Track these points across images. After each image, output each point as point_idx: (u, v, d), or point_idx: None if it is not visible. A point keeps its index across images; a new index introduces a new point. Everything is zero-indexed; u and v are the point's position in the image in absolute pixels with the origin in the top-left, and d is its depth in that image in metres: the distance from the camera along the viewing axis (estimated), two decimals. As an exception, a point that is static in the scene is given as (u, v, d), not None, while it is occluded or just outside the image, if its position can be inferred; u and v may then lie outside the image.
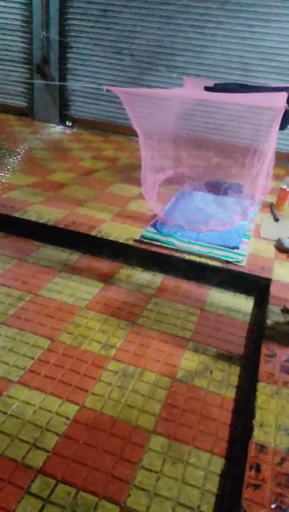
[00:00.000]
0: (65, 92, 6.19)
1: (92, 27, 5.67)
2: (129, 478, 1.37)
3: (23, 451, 1.41)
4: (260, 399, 1.59)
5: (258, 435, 1.44)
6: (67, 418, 1.56)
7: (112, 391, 1.70)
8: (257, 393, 1.62)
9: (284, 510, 1.20)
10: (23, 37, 6.01)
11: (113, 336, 2.03)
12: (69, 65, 6.03)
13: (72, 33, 5.82)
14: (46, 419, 1.55)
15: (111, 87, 2.64)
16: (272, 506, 1.21)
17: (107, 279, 2.54)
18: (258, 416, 1.51)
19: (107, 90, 2.62)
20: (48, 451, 1.42)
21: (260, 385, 1.66)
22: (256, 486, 1.27)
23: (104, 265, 2.69)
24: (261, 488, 1.26)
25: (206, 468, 1.43)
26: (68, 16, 5.74)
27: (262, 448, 1.39)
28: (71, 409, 1.59)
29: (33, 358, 1.83)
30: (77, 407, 1.61)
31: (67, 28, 5.80)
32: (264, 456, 1.37)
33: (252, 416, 1.52)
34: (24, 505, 1.25)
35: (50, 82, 5.94)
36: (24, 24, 5.93)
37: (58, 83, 5.97)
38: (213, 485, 1.38)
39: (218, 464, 1.45)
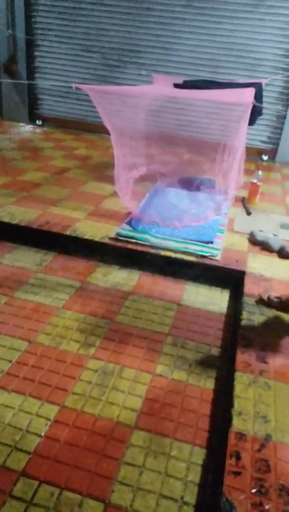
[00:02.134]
0: (34, 91, 6.11)
1: (60, 24, 5.61)
2: (113, 475, 1.37)
3: (3, 455, 1.40)
4: (238, 388, 1.63)
5: (237, 424, 1.47)
6: (47, 419, 1.55)
7: (93, 389, 1.70)
8: (235, 383, 1.65)
9: (264, 494, 1.23)
10: (-12, 35, 5.88)
11: (91, 335, 2.02)
12: (37, 64, 5.95)
13: (39, 31, 5.74)
14: (26, 421, 1.53)
15: (80, 85, 2.62)
16: (253, 491, 1.24)
17: (83, 278, 2.53)
18: (236, 405, 1.55)
19: (76, 88, 2.60)
20: (29, 453, 1.41)
21: (238, 375, 1.70)
22: (237, 473, 1.30)
23: (80, 264, 2.68)
24: (242, 475, 1.29)
25: (187, 459, 1.45)
26: (34, 14, 5.66)
27: (241, 436, 1.43)
28: (51, 410, 1.59)
29: (10, 361, 1.81)
30: (57, 408, 1.60)
31: (33, 25, 5.72)
32: (243, 443, 1.40)
33: (231, 405, 1.55)
34: (7, 509, 1.24)
35: (18, 81, 5.84)
36: (-11, 22, 5.80)
37: (26, 82, 5.88)
38: (195, 476, 1.40)
39: (199, 455, 1.47)
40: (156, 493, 1.33)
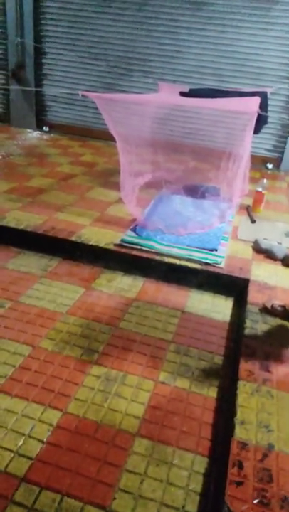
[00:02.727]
0: (41, 98, 6.17)
1: (68, 32, 5.68)
2: (114, 482, 1.37)
3: (5, 460, 1.40)
4: (241, 397, 1.62)
5: (239, 433, 1.47)
6: (50, 425, 1.55)
7: (95, 396, 1.70)
8: (238, 391, 1.65)
9: (266, 505, 1.23)
10: (-3, 42, 5.98)
11: (95, 341, 2.03)
12: (45, 71, 6.02)
13: (47, 39, 5.82)
14: (29, 426, 1.54)
15: (87, 93, 2.66)
16: (255, 501, 1.23)
17: (87, 284, 2.54)
18: (239, 414, 1.54)
19: (83, 96, 2.63)
20: (31, 459, 1.41)
21: (241, 384, 1.69)
22: (239, 483, 1.29)
23: (84, 270, 2.69)
24: (244, 485, 1.29)
25: (189, 468, 1.45)
26: (43, 22, 5.73)
27: (244, 445, 1.42)
28: (54, 416, 1.59)
29: (14, 366, 1.81)
30: (60, 413, 1.60)
31: (42, 33, 5.80)
32: (246, 453, 1.40)
33: (233, 414, 1.55)
34: (8, 515, 1.24)
35: (26, 88, 5.91)
36: (-2, 30, 5.89)
37: (33, 89, 5.95)
38: (197, 484, 1.40)
39: (201, 464, 1.47)
40: (157, 502, 1.33)
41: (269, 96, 3.92)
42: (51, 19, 5.68)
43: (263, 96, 3.58)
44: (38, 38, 5.80)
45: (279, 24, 4.92)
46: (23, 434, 1.50)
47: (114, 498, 1.32)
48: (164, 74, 5.47)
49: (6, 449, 1.44)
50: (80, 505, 1.29)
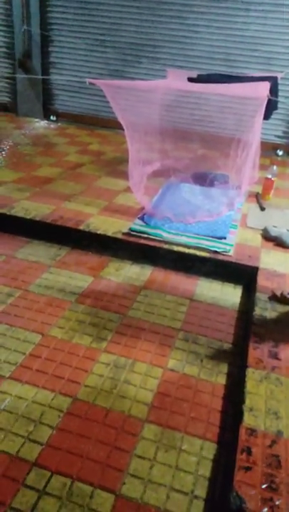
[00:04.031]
0: (48, 86, 6.13)
1: (74, 20, 5.61)
2: (124, 467, 1.39)
3: (17, 445, 1.43)
4: (250, 384, 1.62)
5: (248, 419, 1.47)
6: (60, 411, 1.57)
7: (105, 382, 1.72)
8: (246, 379, 1.65)
9: (274, 490, 1.23)
10: (4, 31, 5.93)
11: (104, 329, 2.04)
12: (51, 59, 5.97)
13: (54, 26, 5.75)
14: (39, 412, 1.56)
15: (94, 80, 2.63)
16: (263, 487, 1.24)
17: (96, 272, 2.54)
18: (247, 401, 1.55)
19: (90, 83, 2.60)
20: (42, 444, 1.44)
21: (249, 371, 1.69)
22: (247, 469, 1.30)
23: (93, 259, 2.70)
24: (252, 470, 1.30)
25: (198, 453, 1.46)
26: (49, 9, 5.66)
27: (252, 432, 1.43)
28: (64, 402, 1.61)
29: (24, 353, 1.83)
30: (70, 400, 1.62)
31: (48, 21, 5.73)
32: (254, 439, 1.40)
33: (242, 401, 1.55)
34: (20, 498, 1.27)
35: (33, 76, 5.87)
36: (4, 18, 5.84)
37: (40, 77, 5.90)
38: (206, 470, 1.41)
39: (210, 449, 1.48)
40: (166, 487, 1.34)
41: (279, 81, 3.84)
42: (58, 6, 5.60)
43: (273, 81, 3.51)
44: (44, 26, 5.74)
45: (289, 6, 4.80)
46: (34, 420, 1.52)
47: (124, 483, 1.34)
48: (173, 60, 5.38)
49: (17, 434, 1.47)
50: (91, 489, 1.31)
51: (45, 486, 1.31)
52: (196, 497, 1.32)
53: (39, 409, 1.57)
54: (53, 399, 1.62)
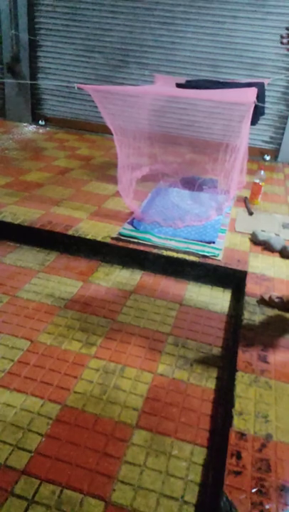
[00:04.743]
0: (36, 91, 6.12)
1: (62, 25, 5.62)
2: (113, 473, 1.38)
3: (5, 453, 1.41)
4: (239, 388, 1.63)
5: (237, 423, 1.48)
6: (49, 418, 1.56)
7: (94, 388, 1.71)
8: (236, 382, 1.65)
9: (264, 494, 1.24)
10: (-8, 35, 5.91)
11: (93, 334, 2.03)
12: (40, 64, 5.96)
13: (42, 31, 5.75)
14: (28, 419, 1.54)
15: (82, 85, 2.63)
16: (253, 491, 1.24)
17: (85, 277, 2.53)
18: (237, 405, 1.55)
19: (78, 88, 2.61)
20: (30, 452, 1.42)
21: (239, 375, 1.70)
22: (237, 473, 1.30)
23: (82, 264, 2.69)
24: (242, 475, 1.30)
25: (188, 459, 1.46)
26: (37, 14, 5.67)
27: (242, 436, 1.43)
28: (53, 409, 1.59)
29: (12, 360, 1.82)
30: (59, 407, 1.61)
31: (36, 26, 5.73)
32: (244, 443, 1.40)
33: (232, 405, 1.56)
34: (8, 507, 1.25)
35: (21, 81, 5.85)
36: (-8, 22, 5.82)
37: (29, 82, 5.89)
38: (196, 475, 1.41)
39: (200, 454, 1.48)
40: (156, 492, 1.33)
41: (266, 87, 3.89)
42: (46, 11, 5.61)
43: (260, 87, 3.55)
44: (32, 31, 5.74)
45: (276, 14, 4.87)
46: (22, 428, 1.51)
47: (114, 490, 1.33)
48: (161, 65, 5.42)
49: (5, 442, 1.45)
50: (80, 496, 1.30)
51: (34, 495, 1.29)
52: (186, 502, 1.31)
53: (28, 417, 1.55)
54: (41, 406, 1.60)
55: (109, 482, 1.35)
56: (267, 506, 1.20)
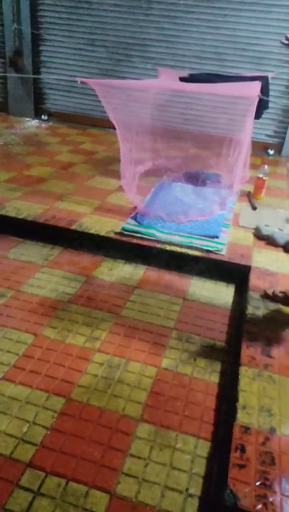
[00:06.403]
0: (39, 85, 6.10)
1: (65, 19, 5.59)
2: (118, 466, 1.39)
3: (11, 446, 1.42)
4: (243, 382, 1.63)
5: (241, 417, 1.48)
6: (54, 411, 1.57)
7: (98, 382, 1.72)
8: (239, 377, 1.66)
9: (268, 487, 1.24)
10: (-6, 29, 5.88)
11: (97, 329, 2.04)
12: (42, 58, 5.94)
13: (45, 25, 5.72)
14: (33, 413, 1.55)
15: (85, 79, 2.62)
16: (257, 484, 1.25)
17: (89, 272, 2.54)
18: (241, 399, 1.56)
19: (81, 82, 2.60)
20: (36, 445, 1.43)
21: (243, 369, 1.70)
22: (241, 466, 1.31)
23: (85, 259, 2.69)
24: (246, 468, 1.30)
25: (192, 452, 1.47)
26: (40, 8, 5.63)
27: (246, 429, 1.44)
28: (58, 402, 1.60)
29: (17, 354, 1.83)
30: (64, 400, 1.62)
31: (39, 20, 5.70)
32: (248, 437, 1.41)
33: (235, 399, 1.56)
34: (14, 499, 1.26)
35: (24, 75, 5.83)
36: (-6, 16, 5.80)
37: (31, 76, 5.87)
38: (200, 468, 1.42)
39: (204, 448, 1.49)
40: (161, 485, 1.35)
41: (270, 80, 3.87)
42: (49, 4, 5.57)
43: (264, 80, 3.53)
44: (35, 25, 5.71)
45: (280, 6, 4.82)
46: (28, 421, 1.52)
47: (119, 482, 1.34)
48: (164, 59, 5.38)
49: (11, 435, 1.46)
50: (85, 489, 1.31)
51: (40, 487, 1.30)
52: (190, 495, 1.32)
53: (33, 410, 1.56)
54: (46, 399, 1.61)
55: (114, 475, 1.36)
56: (271, 499, 1.21)
